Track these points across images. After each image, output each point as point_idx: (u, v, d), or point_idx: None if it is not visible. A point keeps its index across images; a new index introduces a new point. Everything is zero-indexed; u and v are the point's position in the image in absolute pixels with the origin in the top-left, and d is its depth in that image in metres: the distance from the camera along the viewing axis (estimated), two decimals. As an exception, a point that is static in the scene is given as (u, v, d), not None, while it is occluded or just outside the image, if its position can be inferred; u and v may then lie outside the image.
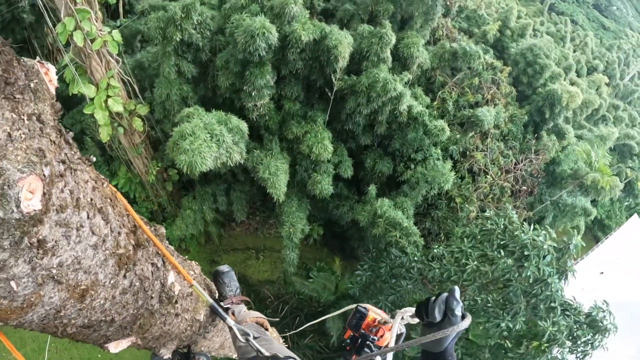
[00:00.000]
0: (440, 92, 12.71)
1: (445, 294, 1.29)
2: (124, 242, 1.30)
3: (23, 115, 0.81)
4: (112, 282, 1.27)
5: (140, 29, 13.98)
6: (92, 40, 8.28)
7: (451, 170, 11.27)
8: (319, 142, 10.03)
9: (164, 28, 9.44)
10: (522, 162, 13.67)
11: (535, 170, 13.81)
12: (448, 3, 11.93)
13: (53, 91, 0.93)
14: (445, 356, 1.32)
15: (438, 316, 1.27)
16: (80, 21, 7.86)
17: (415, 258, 9.11)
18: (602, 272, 17.20)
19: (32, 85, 0.86)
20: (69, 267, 1.02)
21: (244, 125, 9.21)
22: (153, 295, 1.65)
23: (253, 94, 9.63)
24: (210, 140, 8.33)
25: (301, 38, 9.13)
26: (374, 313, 1.75)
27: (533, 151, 13.81)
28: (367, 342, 1.68)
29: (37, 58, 0.91)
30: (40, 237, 0.88)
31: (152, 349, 2.22)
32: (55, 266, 0.97)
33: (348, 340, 1.76)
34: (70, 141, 1.01)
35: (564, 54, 19.74)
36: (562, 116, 14.33)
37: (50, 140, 0.88)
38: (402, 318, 1.62)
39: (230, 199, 12.16)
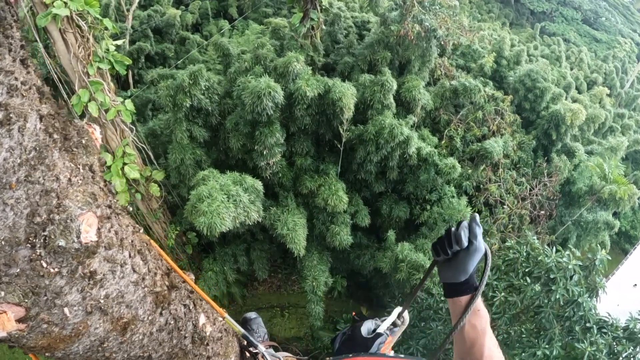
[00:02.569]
0: (446, 131, 12.90)
1: (465, 221, 1.38)
2: (160, 282, 1.44)
3: (79, 165, 0.99)
4: (150, 318, 1.40)
5: (151, 98, 14.62)
6: (106, 111, 8.68)
7: (467, 206, 11.29)
8: (333, 194, 10.17)
9: (173, 95, 9.88)
10: (536, 187, 13.60)
11: (551, 193, 13.72)
12: (442, 43, 12.29)
13: (98, 147, 1.11)
14: (470, 282, 1.40)
15: (465, 241, 1.36)
16: (94, 92, 8.26)
17: (442, 298, 9.01)
18: (636, 284, 16.67)
19: (83, 141, 1.04)
20: (114, 299, 1.16)
21: (258, 184, 9.39)
22: (186, 335, 1.77)
23: (264, 152, 9.89)
24: (228, 201, 8.51)
25: (306, 94, 9.47)
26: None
27: (546, 174, 13.76)
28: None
29: (85, 120, 1.10)
30: (92, 269, 1.03)
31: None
32: (102, 297, 1.11)
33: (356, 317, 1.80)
34: (113, 191, 1.18)
35: (561, 73, 19.95)
36: (569, 135, 14.39)
37: (100, 187, 1.05)
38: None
39: (250, 258, 12.22)
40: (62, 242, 0.90)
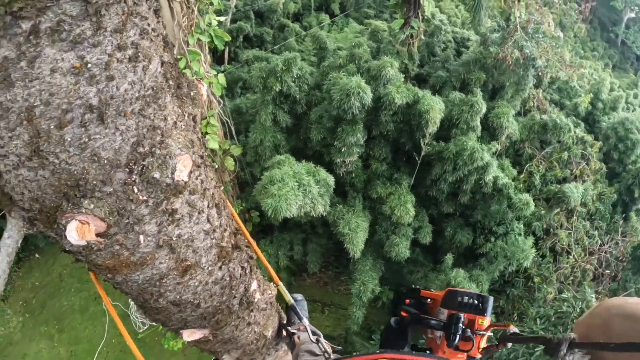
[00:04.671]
0: (527, 165, 12.44)
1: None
2: (227, 239, 1.54)
3: (185, 112, 1.10)
4: (209, 269, 1.50)
5: (243, 77, 15.15)
6: (200, 79, 9.07)
7: (532, 248, 10.85)
8: (401, 205, 10.11)
9: (265, 78, 10.20)
10: (607, 243, 12.79)
11: (621, 253, 12.84)
12: (540, 74, 11.85)
13: (203, 102, 1.21)
14: None
15: None
16: (190, 61, 8.66)
17: (486, 336, 8.74)
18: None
19: (192, 93, 1.14)
20: (184, 241, 1.27)
21: (331, 179, 9.52)
22: (236, 296, 1.87)
23: (343, 150, 10.00)
24: (298, 189, 8.70)
25: (395, 101, 9.47)
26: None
27: (620, 233, 12.91)
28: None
29: (195, 76, 1.21)
30: (174, 207, 1.13)
31: (215, 354, 2.40)
32: (175, 236, 1.21)
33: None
34: (206, 144, 1.29)
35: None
36: (654, 196, 13.42)
37: (197, 137, 1.16)
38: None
39: (306, 249, 12.40)
40: (157, 175, 1.00)
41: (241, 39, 19.67)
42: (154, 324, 13.57)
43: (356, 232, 9.88)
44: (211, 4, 8.60)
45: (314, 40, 13.11)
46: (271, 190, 8.38)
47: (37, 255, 16.21)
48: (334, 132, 10.06)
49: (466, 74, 11.91)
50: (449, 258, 10.86)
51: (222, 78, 9.38)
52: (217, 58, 18.12)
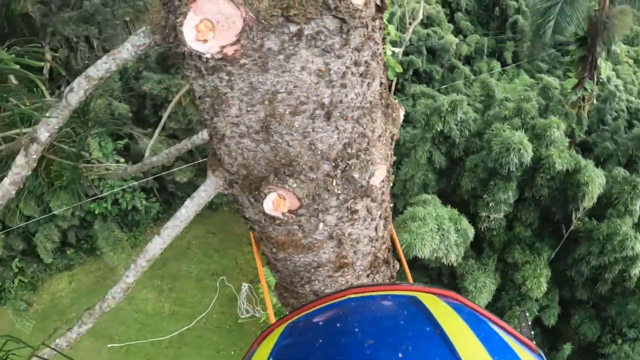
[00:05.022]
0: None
1: None
2: (383, 252, 1.63)
3: (387, 130, 1.23)
4: (359, 273, 1.59)
5: (406, 110, 15.34)
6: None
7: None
8: (535, 277, 9.50)
9: (428, 115, 10.28)
10: None
11: None
12: None
13: (399, 124, 1.34)
14: None
15: None
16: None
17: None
18: None
19: (394, 115, 1.27)
20: (351, 240, 1.38)
21: (471, 231, 9.30)
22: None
23: (490, 205, 9.68)
24: (436, 232, 8.62)
25: (555, 165, 8.98)
26: None
27: None
28: None
29: (397, 100, 1.34)
30: (356, 207, 1.25)
31: None
32: (346, 233, 1.33)
33: None
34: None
35: None
36: None
37: (391, 154, 1.28)
38: None
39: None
40: (356, 175, 1.13)
41: (411, 73, 20.05)
42: (260, 312, 14.28)
43: (481, 291, 9.47)
44: (388, 34, 8.95)
45: (482, 87, 12.92)
46: (410, 227, 8.40)
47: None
48: (486, 185, 9.77)
49: (635, 150, 10.83)
50: (567, 348, 9.86)
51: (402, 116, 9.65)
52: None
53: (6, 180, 1.23)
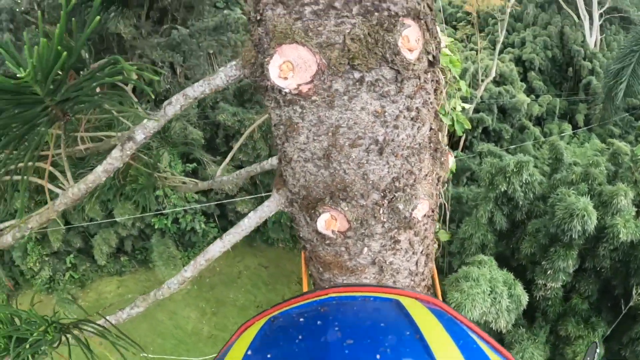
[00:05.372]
0: None
1: None
2: (421, 289, 1.74)
3: (434, 171, 1.38)
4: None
5: (472, 168, 15.24)
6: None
7: None
8: (585, 354, 8.92)
9: (493, 175, 10.15)
10: None
11: None
12: None
13: (448, 170, 1.47)
14: None
15: None
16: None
17: None
18: None
19: (442, 159, 1.41)
20: (392, 270, 1.50)
21: (524, 298, 8.99)
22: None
23: (548, 272, 9.35)
24: (488, 295, 8.41)
25: (619, 235, 8.59)
26: None
27: None
28: None
29: (447, 147, 1.48)
30: (399, 238, 1.39)
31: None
32: (388, 262, 1.46)
33: None
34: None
35: None
36: None
37: (436, 194, 1.42)
38: None
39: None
40: (401, 206, 1.27)
41: (480, 131, 19.89)
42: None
43: (527, 364, 9.05)
44: (459, 89, 9.02)
45: (550, 149, 12.62)
46: (462, 286, 8.26)
47: (229, 250, 18.38)
48: (546, 251, 9.46)
49: None
50: None
51: (452, 163, 9.67)
52: (452, 143, 18.60)
53: (99, 168, 1.42)
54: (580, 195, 9.25)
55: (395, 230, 1.35)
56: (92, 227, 16.26)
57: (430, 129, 1.33)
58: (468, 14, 27.09)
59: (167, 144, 3.17)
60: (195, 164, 16.48)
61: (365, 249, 1.39)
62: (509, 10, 21.22)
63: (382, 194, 1.27)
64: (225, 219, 17.90)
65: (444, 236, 10.87)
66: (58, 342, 1.55)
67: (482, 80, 19.62)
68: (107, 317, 1.67)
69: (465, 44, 26.71)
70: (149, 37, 13.99)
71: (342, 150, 1.20)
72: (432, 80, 1.28)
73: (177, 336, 15.60)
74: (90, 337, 1.65)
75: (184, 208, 16.41)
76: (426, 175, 1.34)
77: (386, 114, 1.18)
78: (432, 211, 1.46)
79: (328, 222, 1.29)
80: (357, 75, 1.13)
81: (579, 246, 9.19)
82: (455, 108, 9.32)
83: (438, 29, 1.26)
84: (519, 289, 8.93)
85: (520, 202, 10.42)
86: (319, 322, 0.82)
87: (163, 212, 16.15)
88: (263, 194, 14.87)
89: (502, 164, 10.18)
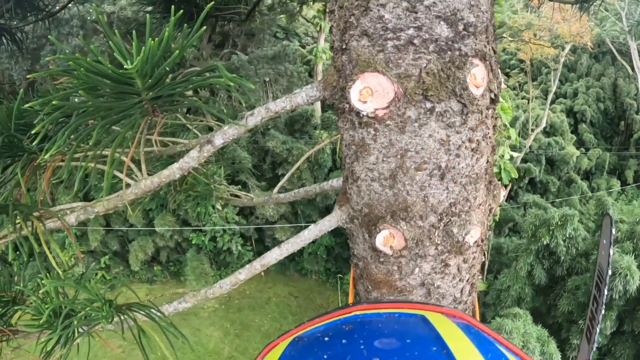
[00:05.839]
0: None
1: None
2: (467, 299, 1.79)
3: (487, 202, 1.47)
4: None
5: (515, 218, 14.97)
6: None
7: None
8: None
9: (536, 227, 9.97)
10: None
11: None
12: None
13: (500, 202, 1.56)
14: None
15: None
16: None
17: None
18: None
19: (495, 192, 1.50)
20: (438, 293, 1.57)
21: (557, 358, 8.71)
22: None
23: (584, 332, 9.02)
24: (521, 349, 8.18)
25: None
26: None
27: None
28: None
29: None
30: (448, 262, 1.47)
31: None
32: (436, 284, 1.53)
33: None
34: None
35: None
36: None
37: (487, 225, 1.50)
38: None
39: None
40: (455, 230, 1.36)
41: (526, 181, 19.57)
42: None
43: None
44: (508, 137, 8.97)
45: (597, 205, 12.31)
46: (495, 336, 8.07)
47: (262, 274, 18.38)
48: (584, 310, 9.16)
49: None
50: None
51: (503, 196, 9.53)
52: (495, 193, 18.32)
53: (175, 165, 1.51)
54: (624, 253, 8.99)
55: (447, 253, 1.43)
56: (131, 233, 16.76)
57: (487, 161, 1.43)
58: (522, 61, 27.02)
59: (223, 160, 3.35)
60: (240, 187, 16.81)
61: (417, 269, 1.47)
62: (562, 60, 21.09)
63: (439, 217, 1.36)
64: (262, 244, 18.09)
65: (481, 286, 10.73)
66: (111, 321, 1.55)
67: (532, 130, 19.40)
68: (154, 309, 1.72)
69: (517, 92, 26.58)
70: (209, 59, 14.59)
71: (407, 173, 1.31)
72: (492, 117, 1.39)
73: (197, 352, 15.68)
74: (143, 320, 1.68)
75: (223, 227, 16.71)
76: (480, 204, 1.42)
77: (450, 142, 1.29)
78: (482, 240, 1.54)
79: (386, 238, 1.39)
80: (428, 105, 1.25)
81: (619, 307, 8.88)
82: (503, 156, 9.33)
83: (499, 71, 1.37)
84: (553, 347, 8.66)
85: (562, 257, 10.17)
86: (344, 341, 0.81)
87: (202, 228, 16.49)
88: (303, 224, 15.01)
89: (546, 216, 10.01)
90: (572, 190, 19.86)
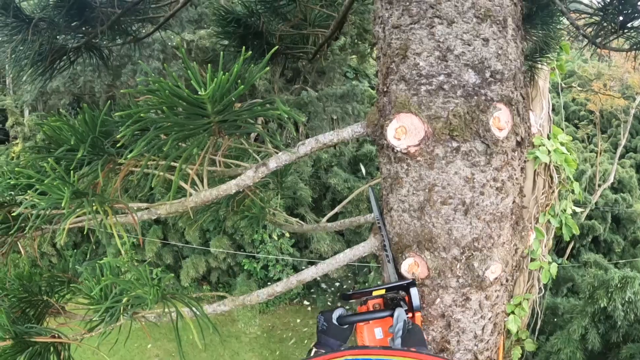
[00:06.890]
0: None
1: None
2: (484, 357, 1.83)
3: (512, 241, 1.56)
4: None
5: (574, 278, 14.28)
6: (532, 259, 9.16)
7: None
8: None
9: (595, 287, 9.49)
10: None
11: None
12: None
13: (527, 245, 1.63)
14: None
15: None
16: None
17: None
18: None
19: (522, 233, 1.58)
20: (458, 328, 1.62)
21: None
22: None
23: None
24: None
25: None
26: None
27: None
28: None
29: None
30: (470, 297, 1.54)
31: None
32: (455, 319, 1.59)
33: None
34: (504, 322, 1.68)
35: None
36: None
37: (512, 264, 1.58)
38: None
39: None
40: (475, 264, 1.45)
41: (589, 239, 18.60)
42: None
43: None
44: (572, 191, 8.68)
45: (653, 270, 11.55)
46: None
47: (309, 310, 18.27)
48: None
49: None
50: None
51: (554, 269, 9.18)
52: (559, 249, 17.60)
53: (233, 181, 1.70)
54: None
55: (468, 287, 1.51)
56: (186, 250, 17.28)
57: (514, 202, 1.52)
58: (591, 112, 26.16)
59: (282, 189, 3.53)
60: (298, 219, 17.02)
61: (438, 300, 1.56)
62: (632, 112, 20.23)
63: (461, 250, 1.46)
64: (313, 279, 18.07)
65: (530, 346, 10.21)
66: (156, 304, 1.61)
67: (599, 185, 18.59)
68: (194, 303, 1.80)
69: (586, 145, 25.65)
70: (279, 93, 15.14)
71: (434, 206, 1.43)
72: (519, 159, 1.49)
73: (232, 375, 15.73)
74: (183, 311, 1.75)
75: (277, 257, 16.93)
76: (504, 243, 1.51)
77: (475, 180, 1.40)
78: (507, 280, 1.61)
79: (411, 266, 1.50)
80: (454, 144, 1.38)
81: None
82: (565, 210, 9.04)
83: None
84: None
85: (619, 322, 9.58)
86: None
87: (256, 255, 16.77)
88: (356, 263, 14.99)
89: (605, 277, 9.52)
90: (638, 251, 18.73)
